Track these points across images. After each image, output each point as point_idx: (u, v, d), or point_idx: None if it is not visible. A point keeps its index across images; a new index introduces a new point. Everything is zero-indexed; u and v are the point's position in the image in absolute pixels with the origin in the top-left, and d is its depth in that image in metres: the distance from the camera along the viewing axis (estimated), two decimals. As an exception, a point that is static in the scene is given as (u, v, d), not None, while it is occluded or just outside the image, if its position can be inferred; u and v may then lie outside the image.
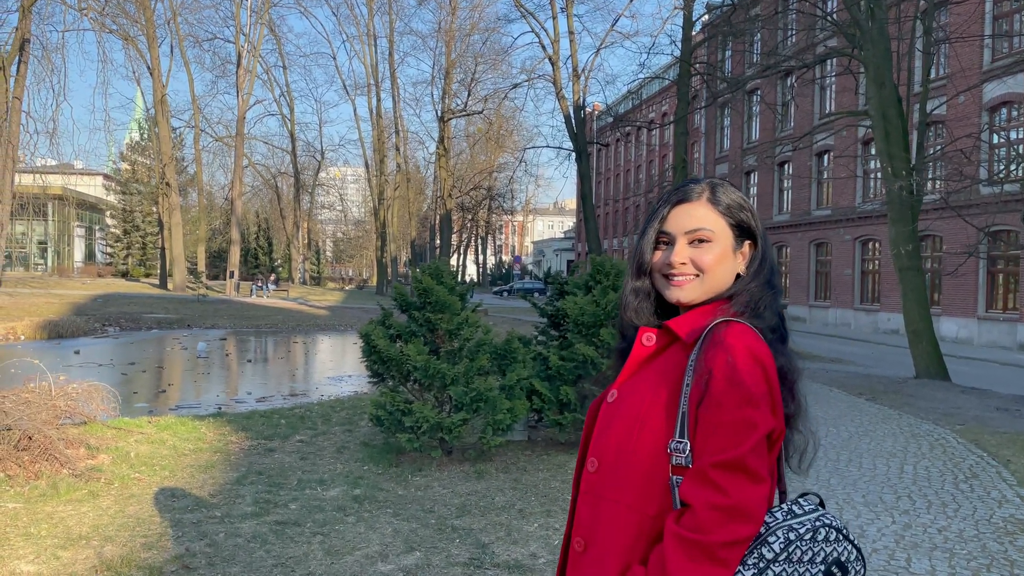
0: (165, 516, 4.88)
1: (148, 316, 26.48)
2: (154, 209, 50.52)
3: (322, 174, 66.01)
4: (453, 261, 63.10)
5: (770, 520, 1.30)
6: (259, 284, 42.25)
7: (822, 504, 1.39)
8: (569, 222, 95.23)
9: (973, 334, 22.55)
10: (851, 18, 13.85)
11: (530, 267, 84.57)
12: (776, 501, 1.41)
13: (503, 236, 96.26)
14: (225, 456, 6.65)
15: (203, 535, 4.52)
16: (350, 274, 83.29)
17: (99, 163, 66.88)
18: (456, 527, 4.77)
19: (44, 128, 50.03)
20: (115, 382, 12.16)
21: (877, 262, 27.54)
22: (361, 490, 5.57)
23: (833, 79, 26.69)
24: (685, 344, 1.39)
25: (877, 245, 27.23)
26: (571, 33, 32.26)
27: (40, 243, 58.05)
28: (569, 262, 65.71)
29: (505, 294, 56.86)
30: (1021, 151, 18.07)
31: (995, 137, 21.63)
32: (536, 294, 45.67)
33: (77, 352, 17.31)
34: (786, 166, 33.34)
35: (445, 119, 42.32)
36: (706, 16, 25.05)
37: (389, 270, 50.01)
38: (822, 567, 1.29)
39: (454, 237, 61.24)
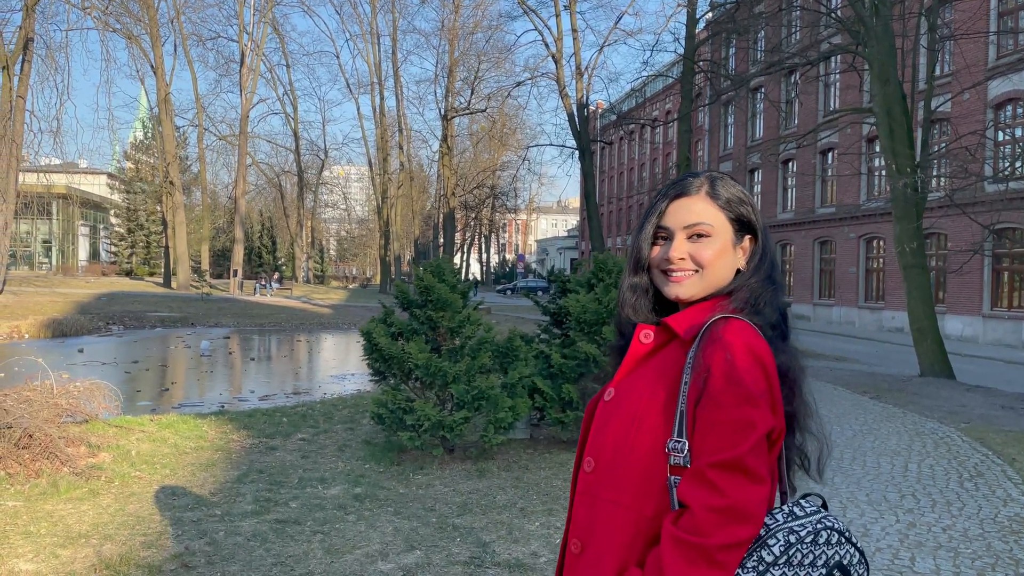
0: (165, 514, 4.86)
1: (152, 315, 26.52)
2: (158, 208, 50.65)
3: (326, 173, 66.03)
4: (457, 260, 63.04)
5: (770, 522, 1.27)
6: (263, 283, 42.30)
7: (824, 505, 1.35)
8: (573, 220, 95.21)
9: (978, 332, 22.47)
10: (855, 15, 13.78)
11: (534, 265, 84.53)
12: (777, 502, 1.37)
13: (507, 234, 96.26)
14: (226, 454, 6.64)
15: (203, 533, 4.50)
16: (354, 273, 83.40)
17: (103, 162, 66.96)
18: (457, 526, 4.75)
19: (48, 127, 50.40)
20: (118, 380, 12.19)
21: (881, 260, 27.45)
22: (362, 488, 5.55)
23: (837, 76, 26.57)
24: (683, 341, 1.35)
25: (881, 243, 27.14)
26: (574, 31, 32.19)
27: (44, 242, 58.18)
28: (572, 260, 65.62)
29: (509, 293, 56.86)
30: (1026, 148, 17.98)
31: (1000, 134, 21.54)
32: (540, 292, 45.51)
33: (81, 350, 17.34)
34: (790, 164, 33.25)
35: (448, 117, 42.30)
36: (710, 13, 24.99)
37: (393, 269, 50.01)
38: (823, 571, 1.25)
39: (458, 236, 61.23)
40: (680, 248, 1.40)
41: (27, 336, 20.36)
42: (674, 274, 1.41)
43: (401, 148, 48.83)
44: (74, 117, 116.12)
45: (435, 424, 5.99)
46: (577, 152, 31.89)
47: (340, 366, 16.36)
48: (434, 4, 53.84)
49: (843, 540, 1.29)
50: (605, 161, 62.22)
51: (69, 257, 57.31)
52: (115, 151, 62.55)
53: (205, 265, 49.84)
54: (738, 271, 1.43)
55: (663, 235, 1.44)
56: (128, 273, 56.03)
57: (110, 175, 65.38)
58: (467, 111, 43.56)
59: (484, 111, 43.37)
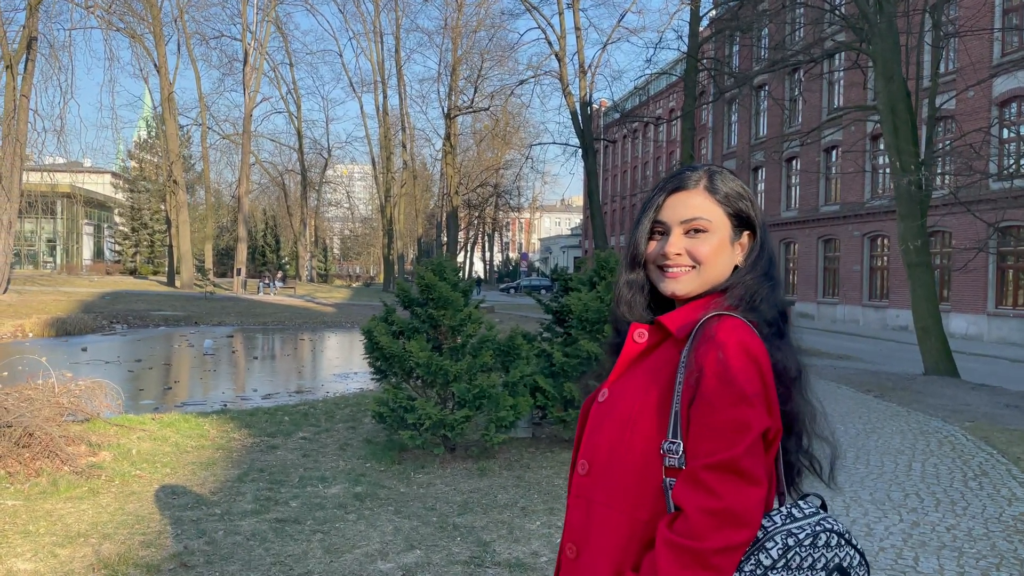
0: (165, 514, 4.85)
1: (156, 313, 26.55)
2: (162, 207, 50.73)
3: (329, 171, 66.09)
4: (460, 258, 63.06)
5: (768, 524, 1.24)
6: (266, 281, 42.32)
7: (824, 506, 1.32)
8: (576, 219, 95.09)
9: (983, 330, 22.39)
10: (859, 12, 13.72)
11: (537, 264, 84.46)
12: (775, 504, 1.34)
13: (510, 233, 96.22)
14: (227, 453, 6.62)
15: (202, 533, 4.49)
16: (357, 271, 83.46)
17: (107, 161, 67.20)
18: (457, 525, 4.72)
19: (52, 126, 50.32)
20: (122, 379, 12.21)
21: (886, 258, 27.37)
22: (363, 487, 5.53)
23: (841, 74, 26.48)
24: (677, 340, 1.32)
25: (886, 241, 27.06)
26: (577, 29, 32.19)
27: (49, 241, 58.30)
28: (576, 259, 65.46)
29: (512, 291, 56.81)
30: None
31: (1005, 131, 21.45)
32: (543, 291, 45.58)
33: (84, 349, 17.36)
34: (794, 162, 33.16)
35: (451, 116, 42.26)
36: (713, 11, 24.95)
37: (396, 267, 50.05)
38: (823, 574, 1.22)
39: (461, 234, 61.25)
40: (677, 243, 1.37)
41: (31, 335, 20.40)
42: (670, 270, 1.37)
43: (404, 147, 48.85)
44: (78, 116, 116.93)
45: (436, 423, 5.97)
46: (580, 150, 31.87)
47: (343, 365, 16.36)
48: (437, 2, 53.91)
49: (843, 542, 1.26)
50: (608, 159, 62.13)
51: (73, 256, 57.44)
52: (119, 150, 62.74)
53: (209, 264, 49.87)
54: (736, 268, 1.40)
55: (660, 230, 1.40)
56: (132, 272, 56.13)
57: (114, 174, 65.49)
58: (470, 109, 43.53)
59: (487, 109, 43.32)
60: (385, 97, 47.09)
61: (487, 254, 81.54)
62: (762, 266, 1.38)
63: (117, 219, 63.82)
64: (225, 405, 10.17)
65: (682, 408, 1.24)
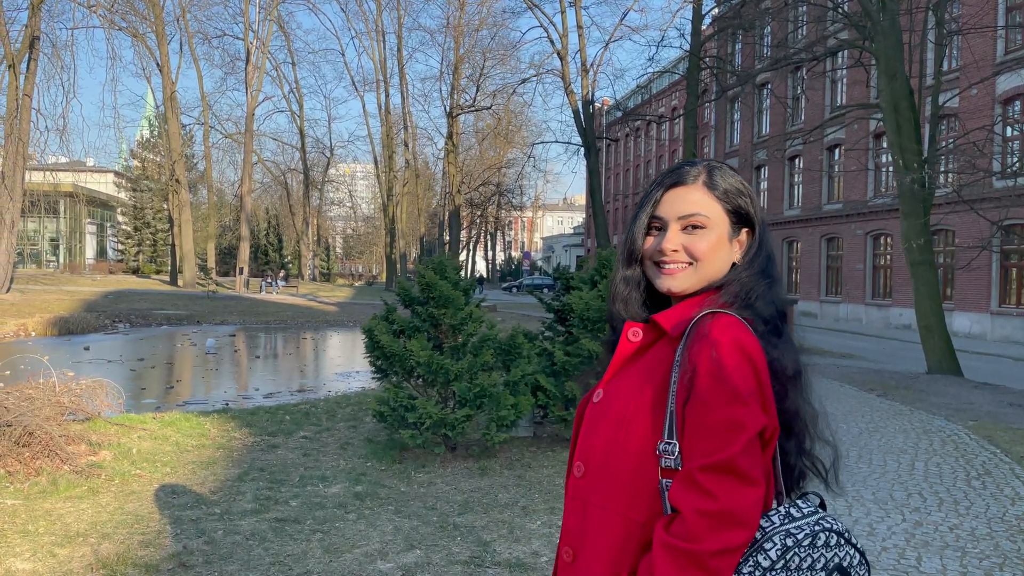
0: (164, 513, 4.83)
1: (158, 312, 26.57)
2: (164, 206, 50.78)
3: (331, 170, 66.09)
4: (462, 257, 63.09)
5: (766, 525, 1.21)
6: (269, 280, 42.35)
7: (823, 505, 1.30)
8: (579, 218, 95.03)
9: (986, 329, 22.33)
10: (862, 9, 13.68)
11: (539, 263, 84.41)
12: (774, 504, 1.31)
13: (512, 232, 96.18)
14: (228, 452, 6.61)
15: (201, 532, 4.47)
16: (360, 270, 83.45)
17: (110, 160, 67.40)
18: (458, 524, 4.70)
19: (54, 125, 50.12)
20: (124, 378, 12.21)
21: (889, 257, 27.31)
22: (363, 487, 5.51)
23: (844, 72, 26.43)
24: (672, 338, 1.29)
25: (889, 239, 26.99)
26: (579, 27, 32.13)
27: (52, 240, 58.35)
28: (578, 257, 65.43)
29: (514, 290, 56.75)
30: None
31: (1008, 130, 21.38)
32: (545, 290, 45.52)
33: (87, 348, 17.37)
34: (797, 160, 33.11)
35: (454, 115, 42.26)
36: (716, 9, 24.89)
37: (398, 266, 50.06)
38: (823, 574, 1.20)
39: (463, 233, 61.24)
40: (674, 239, 1.34)
41: (34, 334, 20.41)
42: (667, 266, 1.35)
43: (407, 145, 48.84)
44: (80, 115, 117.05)
45: (437, 422, 5.95)
46: (583, 149, 31.86)
47: (345, 364, 16.34)
48: (439, 1, 53.92)
49: (843, 541, 1.24)
50: (611, 158, 62.09)
51: (76, 255, 57.48)
52: (121, 149, 62.80)
53: (211, 263, 49.94)
54: (734, 265, 1.37)
55: (657, 225, 1.38)
56: (135, 271, 56.16)
57: (117, 173, 65.52)
58: (472, 108, 43.51)
59: (489, 108, 43.27)
60: (387, 96, 47.17)
61: (489, 253, 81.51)
62: (760, 263, 1.35)
63: (120, 218, 63.89)
64: (227, 404, 10.16)
65: (677, 407, 1.22)
